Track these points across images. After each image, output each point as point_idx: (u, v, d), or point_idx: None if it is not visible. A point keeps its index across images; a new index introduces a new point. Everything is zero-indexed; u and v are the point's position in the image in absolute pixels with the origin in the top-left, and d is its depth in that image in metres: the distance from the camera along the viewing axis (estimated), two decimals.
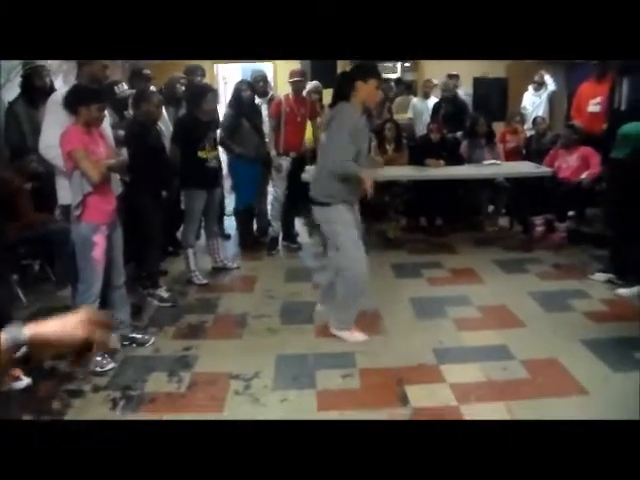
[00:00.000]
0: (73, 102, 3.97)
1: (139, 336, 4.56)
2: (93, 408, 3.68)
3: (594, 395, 3.70)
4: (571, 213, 7.16)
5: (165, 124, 5.83)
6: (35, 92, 5.50)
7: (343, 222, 4.36)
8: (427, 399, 3.71)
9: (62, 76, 6.53)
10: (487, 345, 4.45)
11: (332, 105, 4.43)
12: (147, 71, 6.43)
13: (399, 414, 3.53)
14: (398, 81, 9.98)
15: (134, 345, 4.49)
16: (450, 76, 9.21)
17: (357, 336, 4.53)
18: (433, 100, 9.02)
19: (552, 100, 9.71)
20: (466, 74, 9.69)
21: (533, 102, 9.58)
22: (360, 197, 4.48)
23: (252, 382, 3.96)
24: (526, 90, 9.77)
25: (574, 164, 7.02)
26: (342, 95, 4.31)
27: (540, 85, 9.55)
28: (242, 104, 6.54)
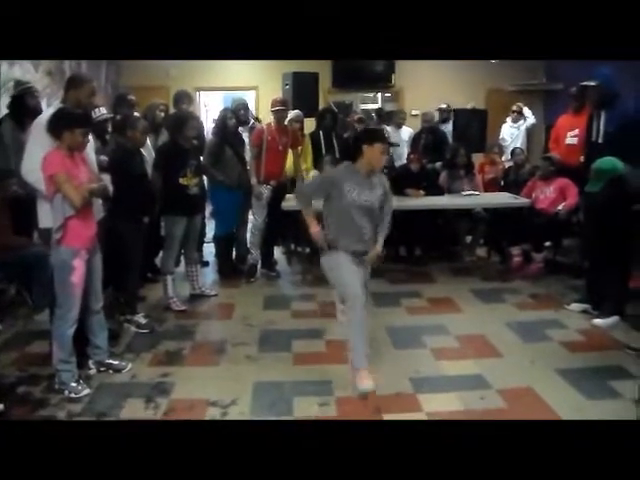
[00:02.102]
0: (57, 126, 3.98)
1: (116, 362, 4.53)
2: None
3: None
4: (548, 244, 7.22)
5: (147, 150, 5.84)
6: (24, 113, 5.43)
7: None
8: None
9: (46, 99, 6.53)
10: (464, 374, 4.47)
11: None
12: (132, 97, 6.45)
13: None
14: (379, 111, 10.05)
15: (110, 371, 4.46)
16: (441, 110, 9.34)
17: (364, 382, 4.13)
18: (406, 130, 9.13)
19: (530, 132, 9.86)
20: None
21: (511, 134, 9.71)
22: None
23: (229, 409, 3.95)
24: (504, 122, 9.91)
25: (551, 195, 7.11)
26: (350, 157, 4.46)
27: (518, 115, 9.69)
28: (227, 132, 6.59)
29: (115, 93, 6.94)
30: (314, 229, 4.40)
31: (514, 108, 9.78)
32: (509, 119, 9.82)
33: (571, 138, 7.00)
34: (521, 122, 9.72)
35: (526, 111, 9.76)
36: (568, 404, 3.96)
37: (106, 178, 4.64)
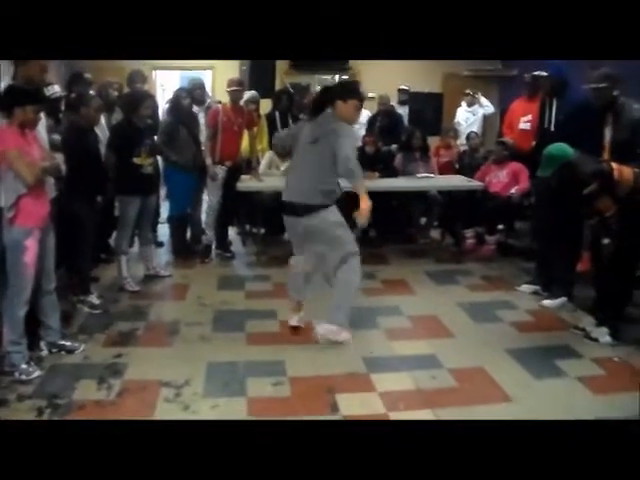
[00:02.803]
0: (8, 102, 3.90)
1: (68, 343, 4.47)
2: (17, 418, 3.56)
3: (517, 401, 3.82)
4: (501, 226, 7.32)
5: (101, 129, 5.76)
6: None
7: (339, 217, 4.42)
8: (357, 407, 3.75)
9: None
10: (417, 354, 4.54)
11: (312, 116, 4.45)
12: (88, 75, 6.35)
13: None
14: None
15: (63, 352, 4.40)
16: (400, 90, 9.37)
17: (345, 335, 4.44)
18: (363, 112, 9.12)
19: (485, 117, 9.95)
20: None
21: (467, 118, 9.79)
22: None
23: (183, 389, 3.94)
24: (459, 106, 9.99)
25: (504, 179, 7.21)
26: (320, 109, 4.34)
27: (472, 99, 9.77)
28: (181, 112, 6.54)
29: (69, 71, 6.79)
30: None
31: (467, 91, 9.86)
32: (464, 103, 9.89)
33: (524, 123, 7.09)
34: (476, 107, 9.80)
35: (483, 100, 9.85)
36: (517, 383, 4.06)
37: (59, 157, 4.56)
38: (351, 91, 4.33)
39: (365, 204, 4.04)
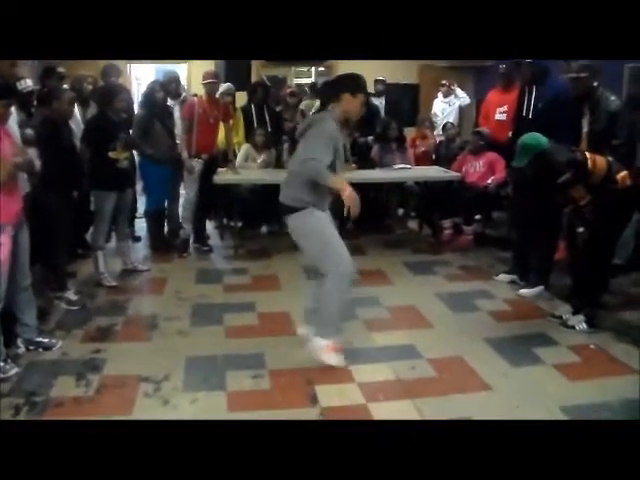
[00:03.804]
0: None
1: (45, 340, 4.43)
2: None
3: (496, 390, 3.85)
4: (478, 217, 7.37)
5: (76, 123, 5.71)
6: None
7: (322, 223, 4.11)
8: (336, 399, 3.76)
9: None
10: (396, 345, 4.55)
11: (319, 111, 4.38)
12: (61, 69, 6.29)
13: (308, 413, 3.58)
14: (313, 86, 10.02)
15: (40, 349, 4.37)
16: (377, 81, 9.37)
17: (332, 357, 4.17)
18: None
19: (461, 108, 9.98)
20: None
21: (443, 109, 9.83)
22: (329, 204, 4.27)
23: (162, 384, 3.92)
24: (436, 97, 10.02)
25: (481, 169, 7.24)
26: (324, 103, 4.25)
27: (448, 90, 9.80)
28: (154, 105, 6.49)
29: (42, 65, 6.72)
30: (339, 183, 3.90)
31: (443, 82, 9.89)
32: (440, 94, 9.93)
33: (500, 114, 7.12)
34: (452, 97, 9.84)
35: (459, 92, 9.88)
36: (495, 371, 4.09)
37: (32, 152, 4.51)
38: (361, 85, 4.27)
39: (344, 194, 3.84)
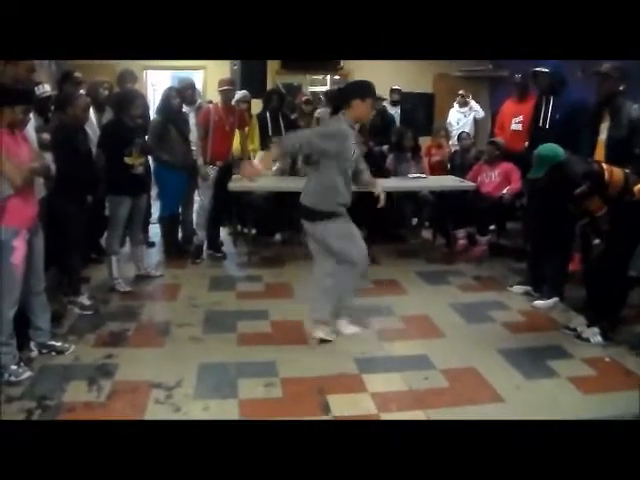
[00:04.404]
0: None
1: (58, 344, 4.45)
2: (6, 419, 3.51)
3: (508, 402, 3.82)
4: (492, 227, 7.34)
5: (92, 129, 5.74)
6: None
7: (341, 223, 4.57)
8: (348, 408, 3.74)
9: None
10: (408, 355, 4.53)
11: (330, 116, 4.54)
12: (78, 74, 6.32)
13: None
14: (328, 93, 10.03)
15: (53, 353, 4.37)
16: (392, 90, 9.37)
17: (349, 327, 4.73)
18: None
19: (476, 119, 9.97)
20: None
21: (458, 119, 9.81)
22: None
23: (174, 391, 3.92)
24: (451, 107, 10.01)
25: (496, 179, 7.22)
26: (336, 109, 4.39)
27: (464, 100, 9.79)
28: (170, 111, 6.51)
29: (60, 70, 6.76)
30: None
31: (460, 92, 9.89)
32: (456, 104, 9.91)
33: (516, 124, 7.10)
34: (467, 109, 9.82)
35: (474, 104, 9.87)
36: (508, 383, 4.06)
37: (48, 157, 4.53)
38: (370, 90, 4.37)
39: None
